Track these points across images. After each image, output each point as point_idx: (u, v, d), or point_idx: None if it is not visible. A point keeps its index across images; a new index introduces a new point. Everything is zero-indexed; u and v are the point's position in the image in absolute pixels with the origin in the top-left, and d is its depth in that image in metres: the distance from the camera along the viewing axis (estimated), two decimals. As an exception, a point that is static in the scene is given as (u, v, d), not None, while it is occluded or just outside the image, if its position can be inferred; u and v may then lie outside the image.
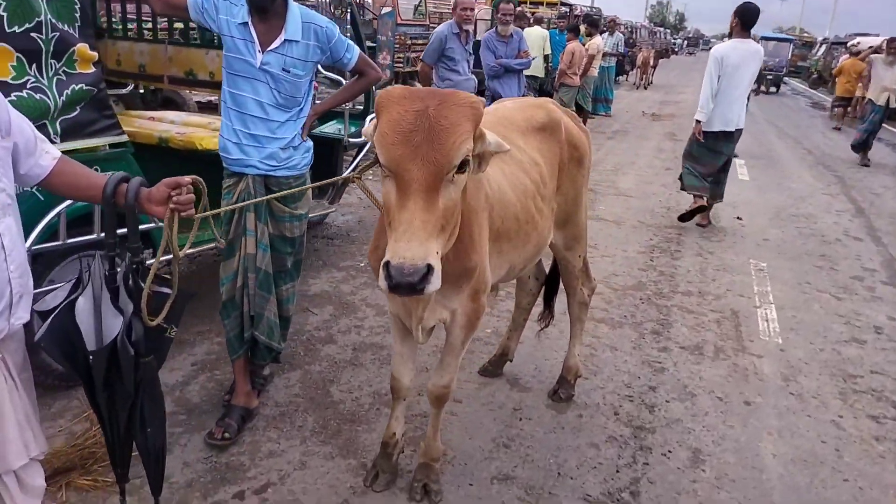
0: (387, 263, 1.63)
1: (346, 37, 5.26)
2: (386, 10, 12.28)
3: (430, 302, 2.20)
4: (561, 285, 3.39)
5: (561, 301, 3.57)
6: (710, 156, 6.50)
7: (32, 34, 2.64)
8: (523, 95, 7.67)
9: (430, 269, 1.63)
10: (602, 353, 3.99)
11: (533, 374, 3.68)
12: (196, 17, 2.81)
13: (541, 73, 11.84)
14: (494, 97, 7.76)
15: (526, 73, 11.49)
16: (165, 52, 4.14)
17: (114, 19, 4.52)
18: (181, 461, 2.79)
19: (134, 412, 1.97)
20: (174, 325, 2.01)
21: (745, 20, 6.14)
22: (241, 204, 2.71)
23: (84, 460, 2.71)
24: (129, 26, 4.67)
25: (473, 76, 6.60)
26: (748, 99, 6.82)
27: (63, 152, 2.85)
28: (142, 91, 6.07)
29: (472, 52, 6.53)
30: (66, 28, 2.76)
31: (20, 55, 2.62)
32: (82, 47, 2.85)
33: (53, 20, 2.70)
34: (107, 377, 1.88)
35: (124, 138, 3.16)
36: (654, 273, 5.42)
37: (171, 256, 1.94)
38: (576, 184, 2.96)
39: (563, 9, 18.40)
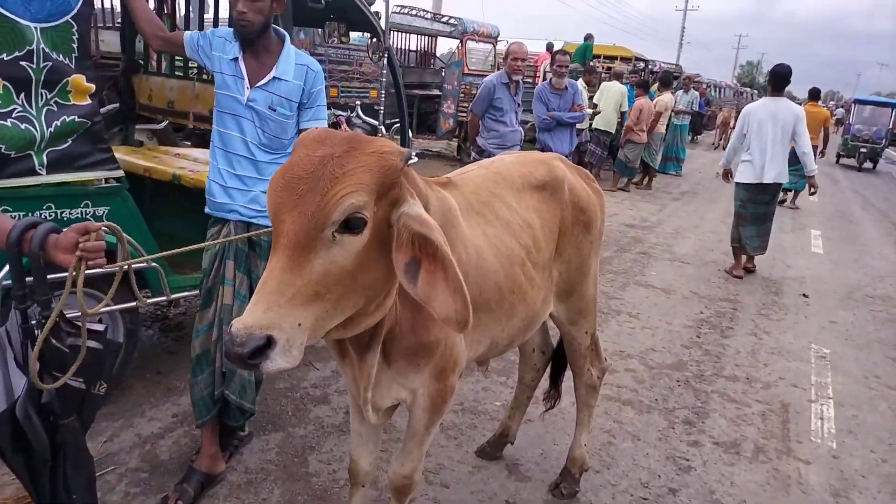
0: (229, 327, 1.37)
1: (382, 80, 5.21)
2: (453, 59, 12.32)
3: (371, 378, 1.90)
4: (571, 363, 3.02)
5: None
6: (748, 207, 6.90)
7: (22, 62, 2.56)
8: (573, 150, 7.44)
9: (269, 342, 1.34)
10: (621, 441, 3.55)
11: (536, 461, 3.28)
12: (191, 55, 2.72)
13: (612, 129, 11.55)
14: (544, 150, 7.53)
15: (599, 128, 11.34)
16: (193, 90, 4.11)
17: (150, 55, 4.56)
18: (124, 526, 2.56)
19: (56, 477, 1.76)
20: (101, 382, 1.81)
21: (774, 81, 6.81)
22: (167, 253, 2.12)
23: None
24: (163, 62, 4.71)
25: (520, 128, 6.39)
26: (814, 158, 7.38)
27: (50, 185, 2.88)
28: (192, 127, 6.15)
29: (520, 103, 6.32)
30: (60, 58, 2.68)
31: (7, 83, 2.55)
32: (77, 78, 2.77)
33: (47, 49, 2.63)
34: (15, 440, 1.68)
35: (119, 173, 3.06)
36: (697, 351, 4.92)
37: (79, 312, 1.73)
38: (581, 251, 2.63)
39: (639, 64, 18.06)
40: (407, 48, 13.44)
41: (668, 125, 12.94)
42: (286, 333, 1.35)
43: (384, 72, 4.92)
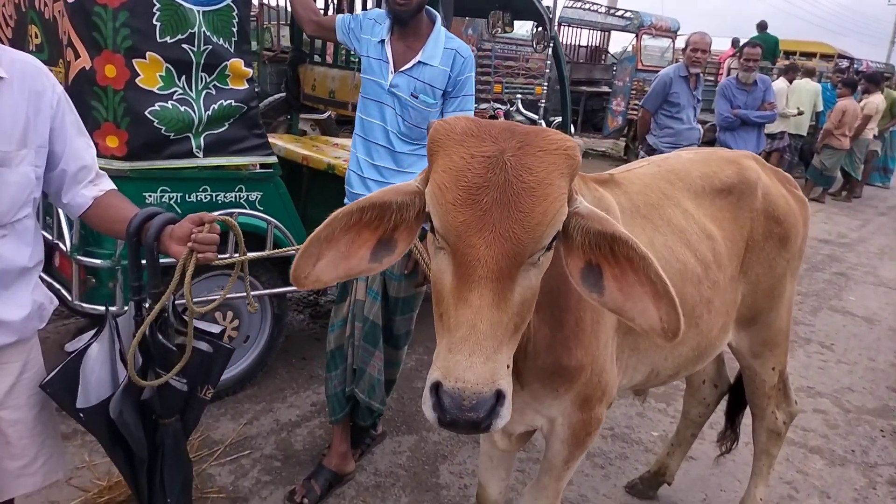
0: (437, 385, 1.11)
1: (546, 73, 4.89)
2: (626, 55, 11.66)
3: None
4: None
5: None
6: None
7: (184, 45, 2.59)
8: (774, 152, 6.63)
9: (499, 397, 1.12)
10: (806, 497, 2.96)
11: (697, 508, 2.82)
12: (342, 39, 2.61)
13: (804, 132, 10.30)
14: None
15: (790, 131, 10.18)
16: (353, 80, 4.07)
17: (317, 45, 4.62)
18: (249, 519, 2.50)
19: (153, 476, 1.70)
20: (208, 386, 1.71)
21: None
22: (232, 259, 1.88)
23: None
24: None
25: (699, 126, 5.77)
26: None
27: (205, 168, 2.91)
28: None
29: (700, 99, 5.70)
30: (220, 42, 2.69)
31: (169, 66, 2.59)
32: (236, 62, 2.77)
33: (208, 33, 2.64)
34: (112, 434, 1.62)
35: (272, 159, 3.04)
36: (908, 397, 4.08)
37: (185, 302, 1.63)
38: (774, 270, 2.15)
39: (843, 62, 16.05)
40: (577, 44, 12.94)
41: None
42: (507, 380, 1.15)
43: (549, 62, 4.58)
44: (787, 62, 12.02)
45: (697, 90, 5.70)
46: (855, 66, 16.09)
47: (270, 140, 4.02)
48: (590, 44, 13.21)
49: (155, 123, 2.59)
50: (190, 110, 2.67)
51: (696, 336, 1.96)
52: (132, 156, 2.60)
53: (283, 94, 4.53)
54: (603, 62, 13.36)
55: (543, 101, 4.94)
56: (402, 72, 2.37)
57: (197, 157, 2.77)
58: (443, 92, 2.40)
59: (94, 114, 2.51)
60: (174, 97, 2.63)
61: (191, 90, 2.67)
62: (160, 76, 2.58)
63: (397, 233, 1.34)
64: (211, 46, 2.66)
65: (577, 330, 1.60)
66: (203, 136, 2.76)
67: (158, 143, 2.64)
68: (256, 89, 3.15)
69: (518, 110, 5.31)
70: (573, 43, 12.86)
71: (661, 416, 3.51)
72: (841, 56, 16.62)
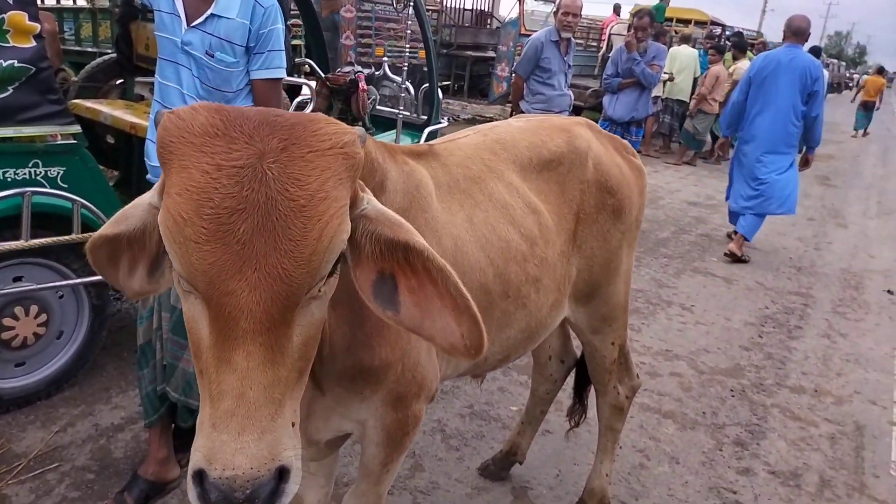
0: (199, 473, 0.89)
1: (407, 35, 4.64)
2: (510, 19, 11.58)
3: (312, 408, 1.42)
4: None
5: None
6: None
7: (-59, -6, 2.17)
8: (649, 116, 6.76)
9: (282, 474, 0.91)
10: (657, 465, 2.99)
11: (550, 485, 2.77)
12: None
13: (686, 98, 10.68)
14: (604, 118, 6.87)
15: (673, 97, 10.47)
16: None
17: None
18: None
19: None
20: None
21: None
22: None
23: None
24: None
25: (570, 92, 5.75)
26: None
27: None
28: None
29: (571, 64, 5.66)
30: (-10, -9, 2.27)
31: (-78, 19, 2.16)
32: (17, 16, 2.36)
33: (-27, -20, 2.22)
34: None
35: (74, 129, 2.65)
36: (758, 355, 4.25)
37: None
38: (608, 243, 2.06)
39: (715, 28, 16.75)
40: (462, 6, 12.73)
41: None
42: (292, 449, 0.94)
43: (409, 23, 4.34)
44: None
45: (569, 55, 5.65)
46: (727, 33, 16.85)
47: (95, 106, 3.59)
48: (475, 7, 13.03)
49: None
50: (-44, 72, 2.25)
51: (524, 317, 1.83)
52: None
53: (113, 56, 4.04)
54: (489, 27, 13.24)
55: (406, 63, 4.69)
56: (194, 27, 2.08)
57: (-29, 127, 2.35)
58: (245, 48, 2.12)
59: None
60: (-67, 56, 2.20)
61: (-44, 48, 2.25)
62: None
63: (163, 254, 1.09)
64: (-22, -4, 2.24)
65: (379, 326, 1.41)
66: (-22, 102, 2.34)
67: (-84, 110, 2.21)
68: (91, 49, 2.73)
69: (385, 73, 5.03)
70: (458, 6, 12.64)
71: (522, 390, 3.44)
72: (713, 23, 17.34)
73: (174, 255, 0.92)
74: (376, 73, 4.97)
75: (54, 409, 2.84)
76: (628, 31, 6.75)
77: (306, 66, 4.81)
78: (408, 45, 4.75)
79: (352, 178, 1.00)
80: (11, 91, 2.42)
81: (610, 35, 12.44)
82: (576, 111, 10.84)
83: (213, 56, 2.08)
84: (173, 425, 2.47)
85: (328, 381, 1.45)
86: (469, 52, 11.81)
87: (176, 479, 2.48)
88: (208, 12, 2.08)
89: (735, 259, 6.01)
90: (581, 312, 2.16)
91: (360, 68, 4.50)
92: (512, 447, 2.72)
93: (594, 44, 13.23)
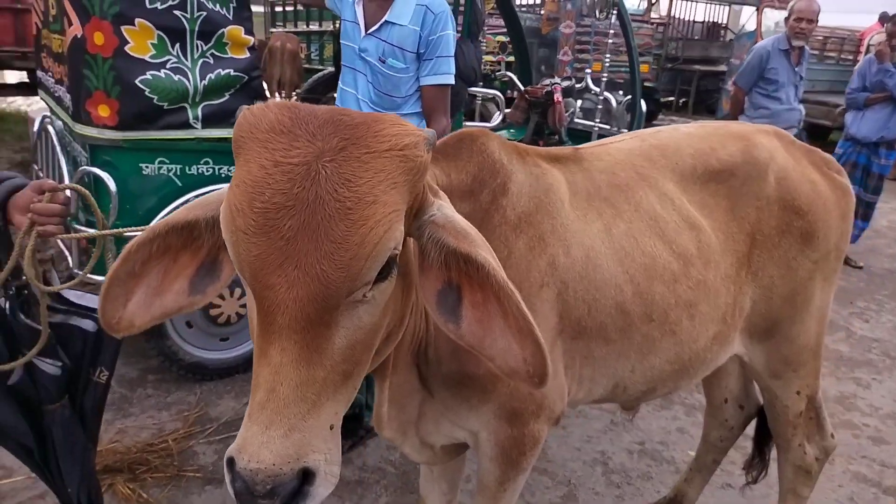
0: (231, 462, 0.91)
1: (608, 43, 4.46)
2: (745, 30, 10.66)
3: (384, 397, 1.36)
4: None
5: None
6: None
7: (176, 12, 2.52)
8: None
9: (306, 476, 0.90)
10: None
11: (717, 545, 2.43)
12: (330, 5, 2.46)
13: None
14: (847, 137, 5.99)
15: None
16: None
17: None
18: (220, 502, 2.42)
19: (48, 465, 1.62)
20: (101, 369, 1.60)
21: None
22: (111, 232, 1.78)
23: (136, 465, 2.53)
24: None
25: (800, 107, 5.10)
26: None
27: (207, 140, 2.84)
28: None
29: (803, 76, 5.03)
30: (216, 8, 2.59)
31: (161, 33, 2.52)
32: (234, 30, 2.67)
33: (202, -1, 2.55)
34: None
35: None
36: None
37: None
38: (793, 272, 1.75)
39: None
40: (692, 19, 12.01)
41: None
42: (322, 451, 0.92)
43: (611, 31, 4.18)
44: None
45: (801, 66, 5.04)
46: None
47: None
48: (706, 19, 12.22)
49: (147, 93, 2.54)
50: (185, 80, 2.60)
51: (672, 346, 1.62)
52: (124, 125, 2.56)
53: (332, 69, 4.43)
54: (721, 39, 12.33)
55: (605, 75, 4.52)
56: (370, 34, 2.16)
57: (195, 128, 2.70)
58: (415, 55, 2.16)
59: (85, 82, 2.50)
60: (167, 66, 2.56)
61: (186, 59, 2.60)
62: (151, 44, 2.52)
63: (223, 253, 1.07)
64: (206, 13, 2.57)
65: None
66: (201, 106, 2.69)
67: (152, 113, 2.58)
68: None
69: (587, 87, 4.91)
70: (688, 18, 11.96)
71: (691, 430, 3.09)
72: None
73: (228, 245, 0.93)
74: (577, 85, 4.87)
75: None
76: (889, 38, 5.81)
77: (507, 78, 4.86)
78: (607, 57, 4.59)
79: (410, 182, 0.95)
80: (228, 97, 2.74)
81: (868, 46, 10.88)
82: (823, 131, 9.66)
83: (384, 62, 2.16)
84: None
85: (435, 384, 1.41)
86: (697, 66, 11.09)
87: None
88: (383, 19, 2.16)
89: None
90: (758, 352, 1.86)
91: (557, 80, 4.44)
92: (677, 495, 2.43)
93: (849, 57, 11.68)
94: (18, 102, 9.26)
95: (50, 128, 3.02)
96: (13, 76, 8.63)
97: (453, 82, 2.30)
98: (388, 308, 1.04)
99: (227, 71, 2.69)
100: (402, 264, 1.06)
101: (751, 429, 2.35)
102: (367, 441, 2.82)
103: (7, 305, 1.46)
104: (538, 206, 1.41)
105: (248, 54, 2.73)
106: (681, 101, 12.54)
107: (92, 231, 1.66)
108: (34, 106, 7.16)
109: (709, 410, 2.35)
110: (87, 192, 1.53)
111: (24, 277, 1.44)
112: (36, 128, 3.24)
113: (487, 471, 1.57)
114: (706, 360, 1.73)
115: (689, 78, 11.19)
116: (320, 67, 7.49)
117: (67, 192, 1.43)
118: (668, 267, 1.56)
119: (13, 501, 2.29)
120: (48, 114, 3.20)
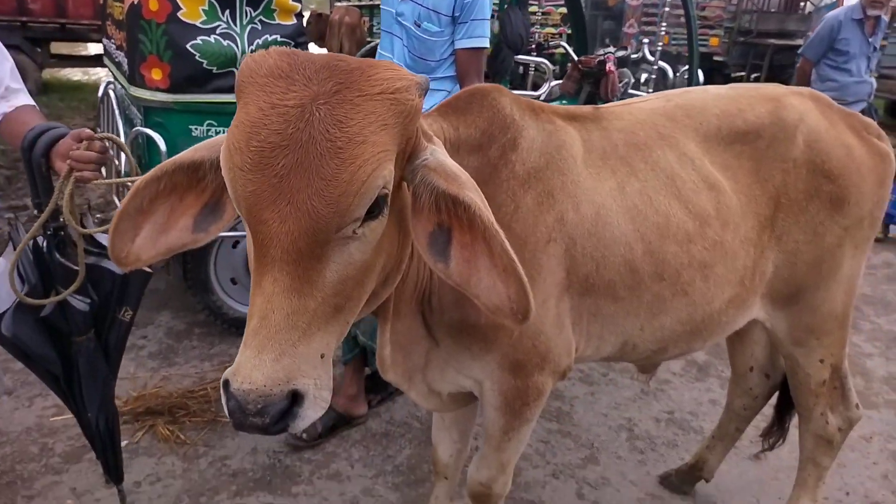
0: (226, 382, 0.97)
1: (671, 14, 4.32)
2: (826, 3, 10.11)
3: (385, 340, 1.42)
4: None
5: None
6: None
7: (226, -21, 2.62)
8: None
9: (296, 398, 0.97)
10: (894, 527, 2.42)
11: (740, 515, 2.42)
12: None
13: None
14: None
15: None
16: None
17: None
18: (252, 447, 2.57)
19: (72, 390, 1.77)
20: (126, 308, 1.72)
21: None
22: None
23: (176, 409, 2.70)
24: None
25: (872, 79, 4.85)
26: None
27: None
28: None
29: (877, 47, 4.78)
30: (264, -25, 2.69)
31: (212, 0, 2.64)
32: (283, -3, 2.75)
33: (250, -34, 2.65)
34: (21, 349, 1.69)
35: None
36: None
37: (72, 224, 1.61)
38: (820, 238, 1.71)
39: None
40: (769, -10, 11.44)
41: None
42: (312, 377, 0.99)
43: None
44: None
45: (876, 37, 4.79)
46: None
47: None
48: (785, -10, 11.61)
49: (197, 57, 2.66)
50: (233, 45, 2.71)
51: (685, 307, 1.62)
52: (175, 88, 2.70)
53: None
54: (800, 12, 11.70)
55: (656, 48, 4.40)
56: None
57: (243, 92, 2.81)
58: (451, 18, 2.18)
59: (140, 47, 2.64)
60: (217, 31, 2.68)
61: (235, 25, 2.71)
62: (203, 10, 2.64)
63: (226, 193, 1.10)
64: (255, -21, 2.67)
65: None
66: (248, 71, 2.80)
67: (201, 77, 2.71)
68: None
69: (644, 58, 4.79)
70: (764, -11, 11.39)
71: (713, 387, 3.05)
72: None
73: (227, 182, 1.00)
74: (632, 55, 4.77)
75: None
76: None
77: (561, 48, 4.80)
78: (669, 29, 4.46)
79: (402, 125, 0.99)
80: (274, 62, 2.84)
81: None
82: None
83: (420, 26, 2.20)
84: (367, 369, 2.70)
85: (440, 332, 1.47)
86: (771, 40, 10.55)
87: (362, 417, 2.71)
88: None
89: None
90: (780, 318, 1.83)
91: (612, 50, 4.36)
92: (698, 461, 2.43)
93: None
94: (99, 74, 9.74)
95: (111, 93, 3.21)
96: (95, 48, 9.06)
97: (488, 45, 2.32)
98: (382, 248, 1.10)
99: (273, 37, 2.78)
100: (398, 208, 1.11)
101: (774, 398, 2.32)
102: (395, 397, 2.91)
103: (45, 245, 1.59)
104: (549, 162, 1.44)
105: (294, 21, 2.82)
106: (752, 76, 12.00)
107: (127, 178, 1.78)
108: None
109: (734, 378, 2.33)
110: (120, 140, 1.65)
111: (61, 219, 1.56)
112: (100, 93, 3.44)
113: (492, 420, 1.62)
114: (721, 323, 1.72)
115: (763, 52, 10.65)
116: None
117: (106, 143, 1.54)
118: (682, 227, 1.55)
119: (64, 435, 2.50)
120: (112, 80, 3.39)
